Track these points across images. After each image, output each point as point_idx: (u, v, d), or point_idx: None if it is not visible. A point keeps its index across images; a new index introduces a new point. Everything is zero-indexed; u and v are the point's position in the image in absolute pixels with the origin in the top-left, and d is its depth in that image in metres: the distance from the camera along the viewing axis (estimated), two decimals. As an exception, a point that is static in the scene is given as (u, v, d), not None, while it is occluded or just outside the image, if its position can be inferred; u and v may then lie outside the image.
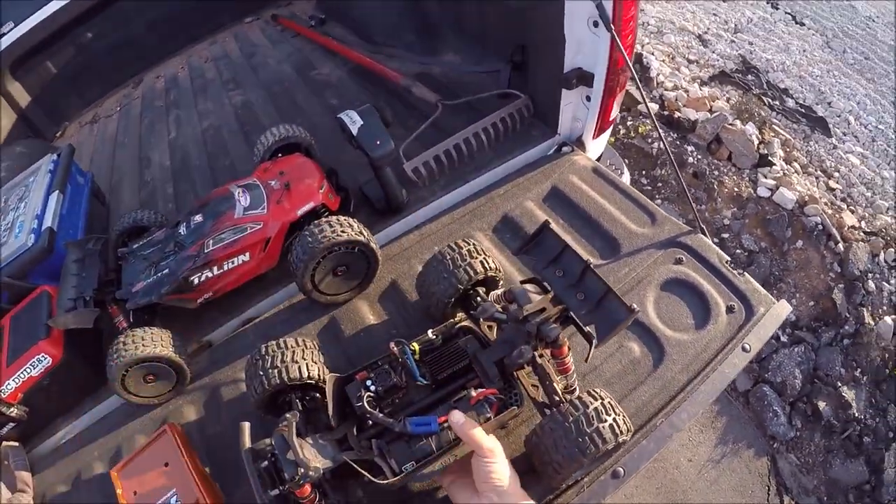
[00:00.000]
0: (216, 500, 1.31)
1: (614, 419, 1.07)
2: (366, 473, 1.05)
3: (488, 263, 1.40)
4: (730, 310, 1.47)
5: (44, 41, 3.61)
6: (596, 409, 1.06)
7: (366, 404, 1.12)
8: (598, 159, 2.16)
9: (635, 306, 1.10)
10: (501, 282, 1.47)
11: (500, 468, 1.04)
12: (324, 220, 1.57)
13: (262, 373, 1.25)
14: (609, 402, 1.10)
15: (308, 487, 1.03)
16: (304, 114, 2.77)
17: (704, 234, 1.63)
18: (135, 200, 2.69)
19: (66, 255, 1.83)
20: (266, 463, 1.06)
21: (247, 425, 1.11)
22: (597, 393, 1.11)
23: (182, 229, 1.76)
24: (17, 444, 1.70)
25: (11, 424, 1.68)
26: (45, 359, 1.66)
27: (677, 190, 3.96)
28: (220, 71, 3.67)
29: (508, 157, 2.02)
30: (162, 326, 1.64)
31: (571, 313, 1.16)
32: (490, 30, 2.33)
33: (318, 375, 1.28)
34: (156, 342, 1.56)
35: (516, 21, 2.05)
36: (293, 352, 1.28)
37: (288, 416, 1.10)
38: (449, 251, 1.42)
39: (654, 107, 4.37)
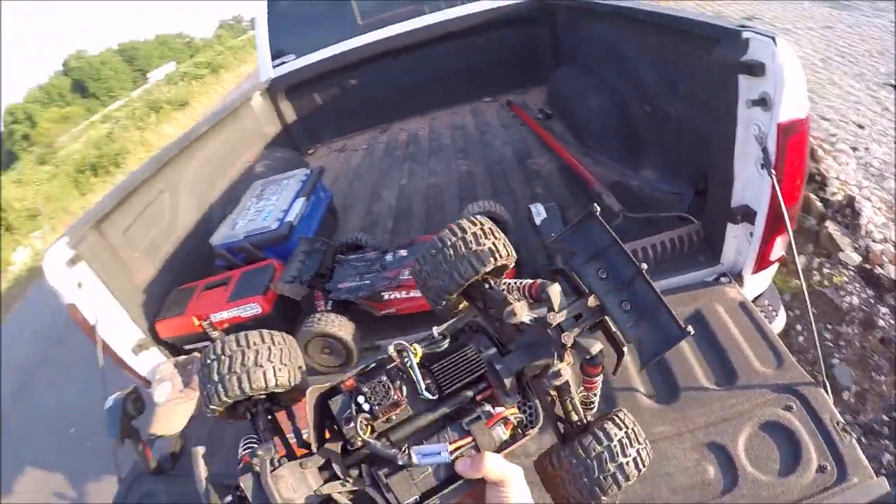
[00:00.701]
0: None
1: (638, 451, 1.01)
2: None
3: (498, 250, 1.17)
4: (821, 469, 1.45)
5: (316, 76, 4.63)
6: (621, 440, 1.00)
7: (360, 428, 0.87)
8: (758, 297, 2.24)
9: (690, 328, 0.98)
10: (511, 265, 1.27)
11: (520, 496, 0.88)
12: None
13: (216, 378, 1.02)
14: (634, 430, 1.03)
15: None
16: (512, 195, 3.21)
17: (826, 392, 1.63)
18: (359, 224, 3.36)
19: (298, 246, 2.45)
20: (231, 498, 0.89)
21: (200, 451, 0.92)
22: (620, 419, 1.03)
23: (389, 256, 2.29)
24: None
25: (208, 343, 2.26)
26: (257, 308, 2.28)
27: (860, 352, 3.71)
28: (454, 139, 4.33)
29: (671, 274, 2.19)
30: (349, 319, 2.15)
31: (612, 323, 1.01)
32: (683, 155, 2.55)
33: (289, 381, 1.06)
34: (342, 326, 2.08)
35: (702, 152, 2.24)
36: (257, 353, 1.06)
37: (260, 453, 0.89)
38: (450, 235, 1.18)
39: (856, 257, 4.14)
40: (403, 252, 2.28)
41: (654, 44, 2.63)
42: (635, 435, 1.02)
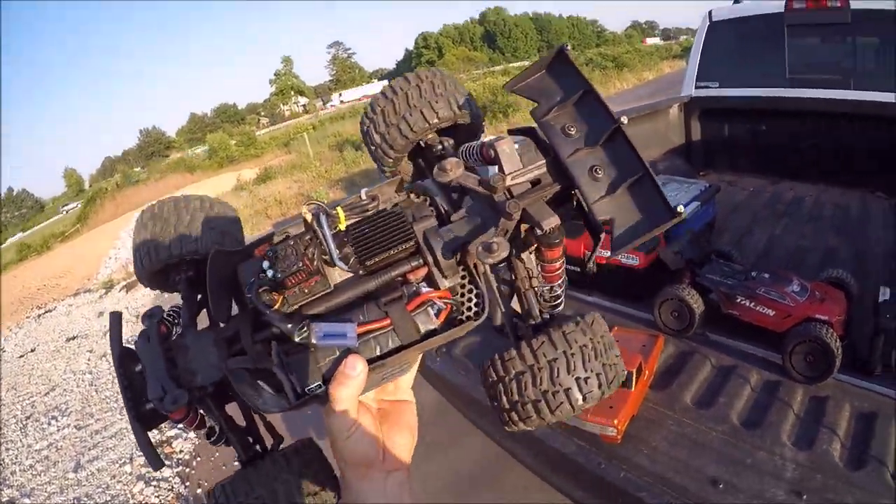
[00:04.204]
0: (640, 388, 2.38)
1: (605, 367, 0.82)
2: (249, 396, 0.76)
3: (452, 104, 0.99)
4: None
5: (731, 110, 5.19)
6: (583, 348, 0.81)
7: (258, 295, 0.74)
8: None
9: (681, 208, 0.76)
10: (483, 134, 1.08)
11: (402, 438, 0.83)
12: (819, 325, 2.39)
13: (151, 238, 0.94)
14: (604, 341, 0.84)
15: (181, 410, 0.80)
16: (869, 279, 3.20)
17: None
18: (730, 245, 3.76)
19: (683, 235, 3.11)
20: (140, 368, 0.83)
21: (118, 315, 0.87)
22: (588, 323, 0.84)
23: (754, 273, 2.84)
24: None
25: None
26: (636, 260, 3.09)
27: None
28: (834, 217, 4.38)
29: None
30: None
31: (580, 194, 0.80)
32: None
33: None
34: (697, 302, 2.73)
35: None
36: (186, 210, 0.96)
37: (148, 318, 0.85)
38: (404, 83, 1.01)
39: None
40: (766, 275, 2.77)
41: None
42: (605, 347, 0.83)
